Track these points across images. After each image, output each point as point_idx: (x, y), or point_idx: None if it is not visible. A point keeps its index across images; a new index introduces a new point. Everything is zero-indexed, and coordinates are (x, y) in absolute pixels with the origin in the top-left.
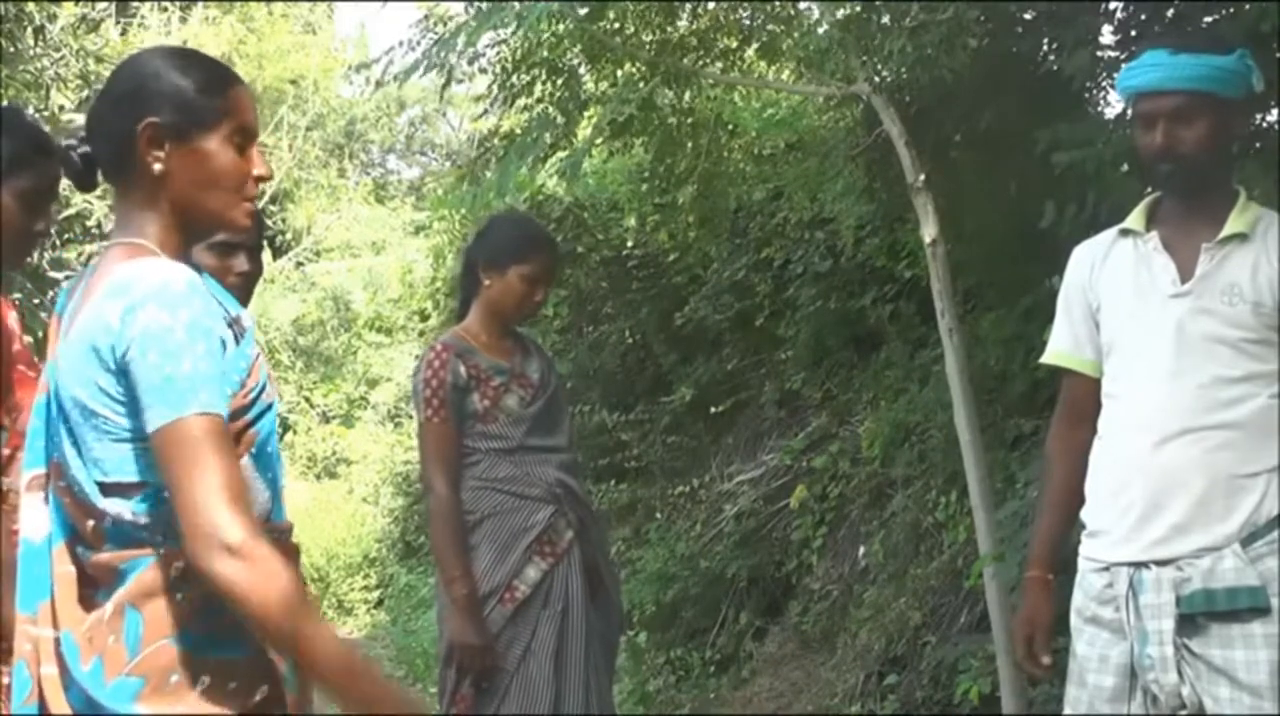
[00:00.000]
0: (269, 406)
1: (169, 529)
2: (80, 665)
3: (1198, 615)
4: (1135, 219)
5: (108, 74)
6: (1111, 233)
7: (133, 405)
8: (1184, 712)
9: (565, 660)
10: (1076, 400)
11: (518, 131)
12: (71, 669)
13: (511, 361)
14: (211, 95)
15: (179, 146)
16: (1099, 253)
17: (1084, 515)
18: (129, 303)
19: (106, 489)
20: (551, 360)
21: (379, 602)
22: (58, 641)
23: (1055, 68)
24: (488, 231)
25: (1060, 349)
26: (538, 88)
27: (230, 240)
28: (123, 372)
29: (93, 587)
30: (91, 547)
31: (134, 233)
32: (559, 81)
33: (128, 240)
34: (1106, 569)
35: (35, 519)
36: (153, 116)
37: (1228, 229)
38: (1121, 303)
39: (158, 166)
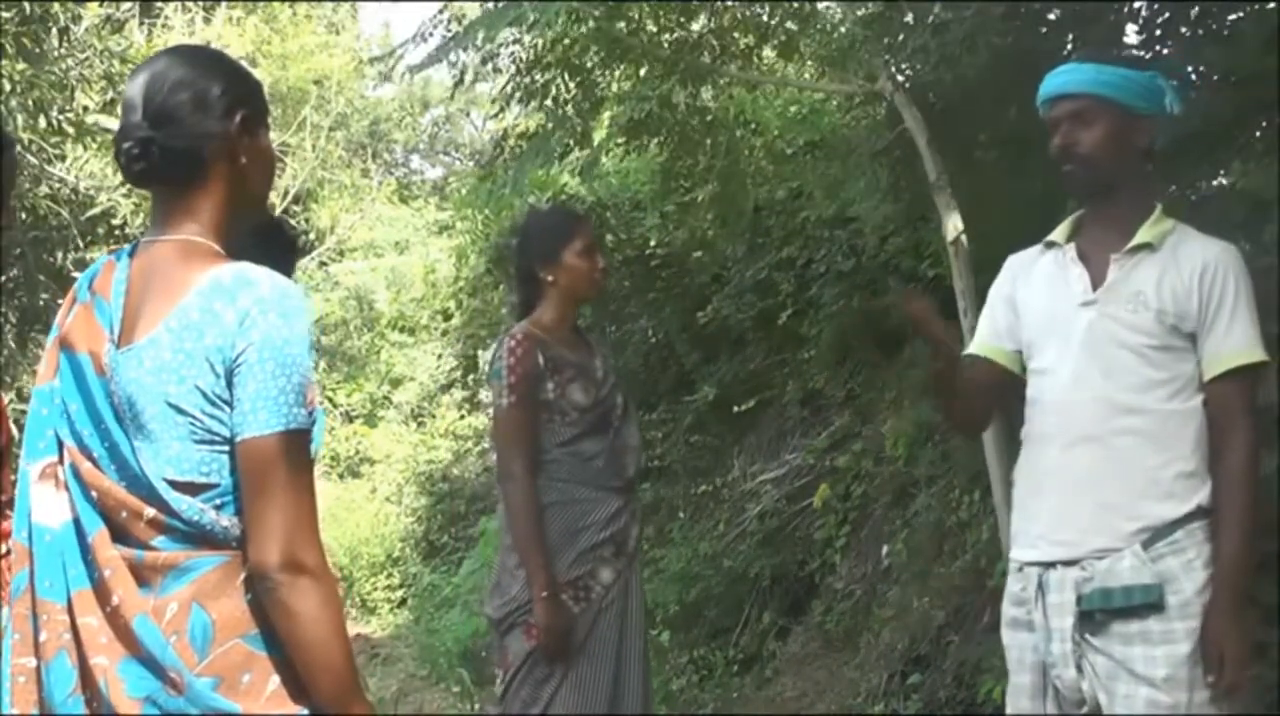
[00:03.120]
0: (316, 421)
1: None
2: (169, 650)
3: (1097, 612)
4: (1059, 233)
5: (132, 76)
6: (1038, 247)
7: (229, 408)
8: (1083, 710)
9: (625, 656)
10: (982, 377)
11: (535, 130)
12: (158, 654)
13: (577, 354)
14: (262, 90)
15: (253, 139)
16: (1024, 263)
17: (1011, 520)
18: (246, 306)
19: (176, 487)
20: (609, 356)
21: (402, 602)
22: (126, 628)
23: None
24: (526, 233)
25: (986, 342)
26: (553, 87)
27: None
28: (228, 375)
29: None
30: (139, 543)
31: (192, 230)
32: (575, 81)
33: (184, 238)
34: (1021, 570)
35: (51, 506)
36: (244, 108)
37: (1136, 239)
38: (1038, 311)
39: (244, 158)
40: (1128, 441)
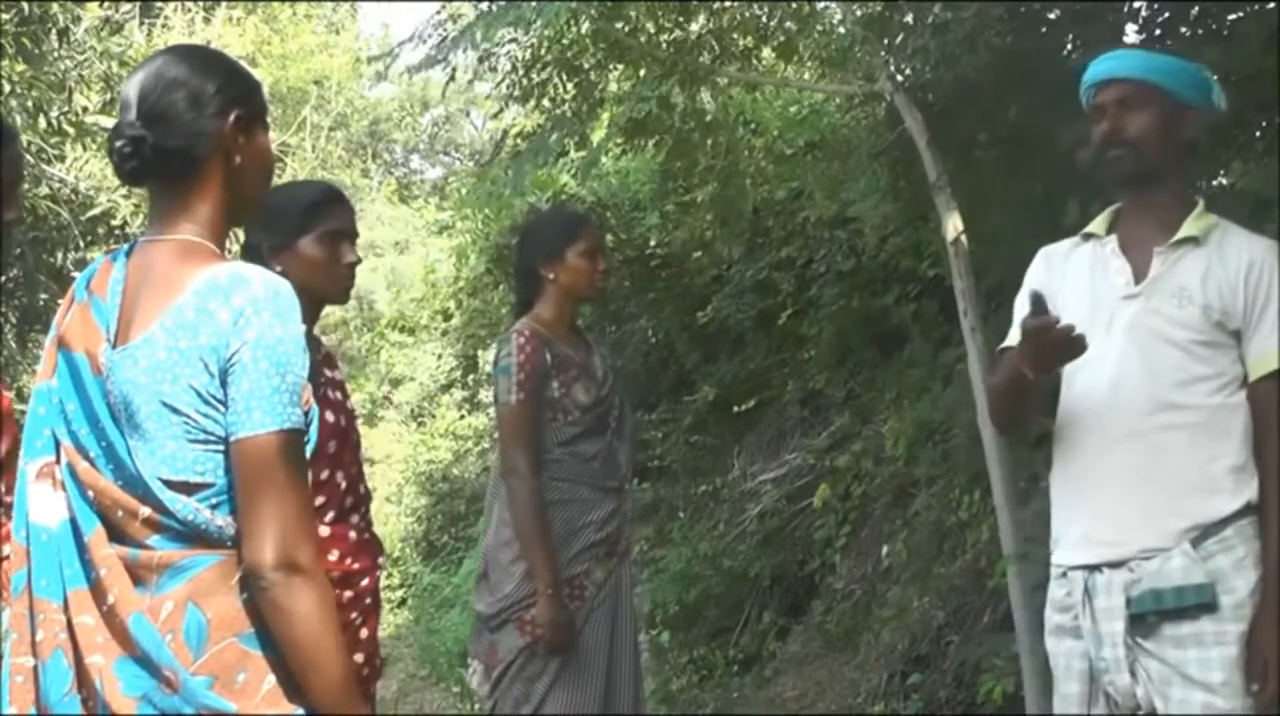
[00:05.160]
0: (311, 421)
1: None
2: (165, 649)
3: (1149, 615)
4: (1097, 224)
5: (130, 75)
6: (1075, 238)
7: (224, 407)
8: (1140, 714)
9: (617, 653)
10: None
11: (535, 130)
12: (153, 653)
13: (579, 353)
14: (260, 90)
15: (249, 139)
16: (1060, 254)
17: (1052, 523)
18: (241, 305)
19: (171, 486)
20: (607, 356)
21: (402, 602)
22: (122, 627)
23: (1079, 66)
24: (531, 232)
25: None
26: (552, 87)
27: None
28: (223, 374)
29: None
30: (135, 543)
31: (188, 229)
32: (574, 82)
33: (182, 237)
34: (1064, 575)
35: (49, 505)
36: (239, 108)
37: (1181, 233)
38: (1078, 303)
39: (238, 158)
40: (1173, 437)
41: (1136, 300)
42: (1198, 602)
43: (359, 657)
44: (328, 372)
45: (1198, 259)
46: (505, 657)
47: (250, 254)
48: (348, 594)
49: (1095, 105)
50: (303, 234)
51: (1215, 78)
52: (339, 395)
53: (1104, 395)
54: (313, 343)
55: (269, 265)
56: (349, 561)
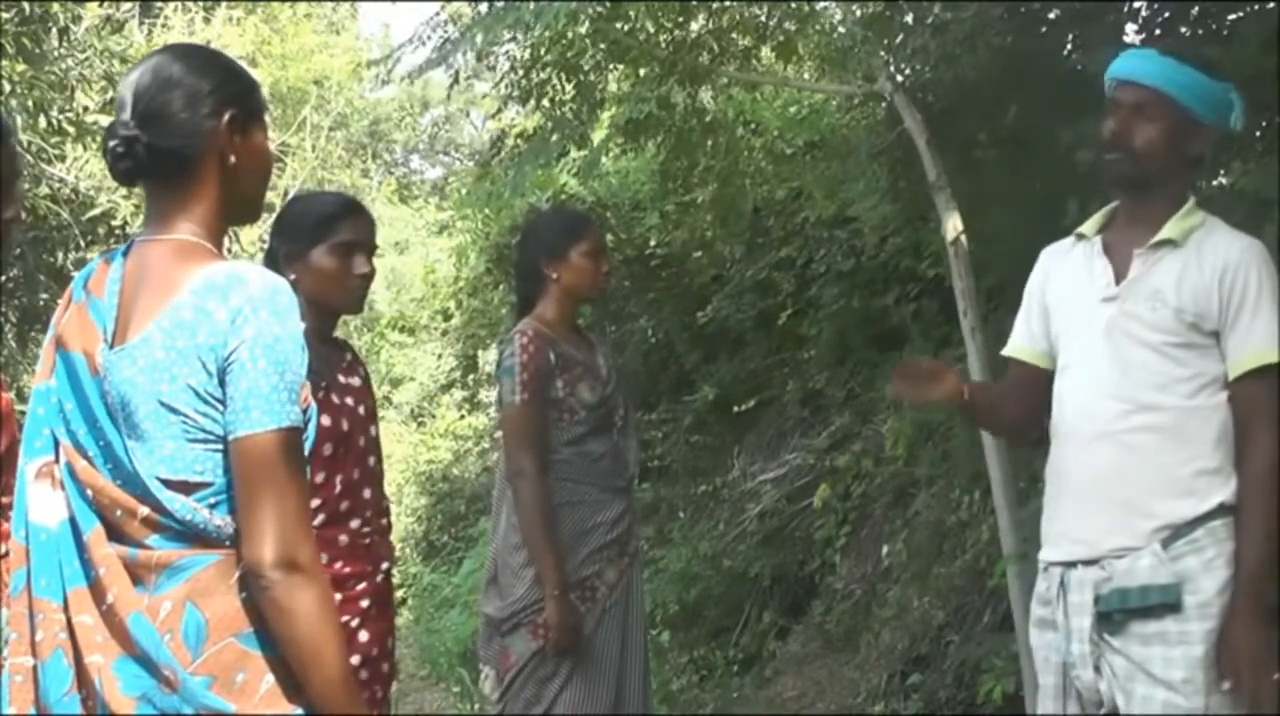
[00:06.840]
0: (310, 420)
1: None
2: (164, 649)
3: (1115, 612)
4: (1089, 225)
5: (127, 74)
6: (1071, 238)
7: (222, 406)
8: (1102, 711)
9: (628, 655)
10: (1019, 378)
11: (534, 130)
12: (152, 652)
13: (582, 352)
14: (258, 89)
15: (245, 138)
16: (1060, 252)
17: (1042, 520)
18: (238, 304)
19: (169, 486)
20: (609, 355)
21: (402, 602)
22: (121, 626)
23: (1079, 66)
24: (533, 231)
25: (1019, 343)
26: (551, 88)
27: None
28: (221, 373)
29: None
30: (134, 542)
31: (185, 229)
32: (574, 82)
33: (179, 237)
34: (1046, 570)
35: (48, 505)
36: (234, 108)
37: (1160, 235)
38: (1065, 306)
39: (233, 158)
40: (1146, 438)
41: (1114, 302)
42: (1162, 602)
43: (354, 660)
44: (343, 378)
45: (1174, 261)
46: (518, 662)
47: (269, 260)
48: (337, 597)
49: (1110, 101)
50: (316, 244)
51: (1240, 99)
52: (349, 400)
53: (1084, 396)
54: (335, 347)
55: (284, 272)
56: (339, 565)
